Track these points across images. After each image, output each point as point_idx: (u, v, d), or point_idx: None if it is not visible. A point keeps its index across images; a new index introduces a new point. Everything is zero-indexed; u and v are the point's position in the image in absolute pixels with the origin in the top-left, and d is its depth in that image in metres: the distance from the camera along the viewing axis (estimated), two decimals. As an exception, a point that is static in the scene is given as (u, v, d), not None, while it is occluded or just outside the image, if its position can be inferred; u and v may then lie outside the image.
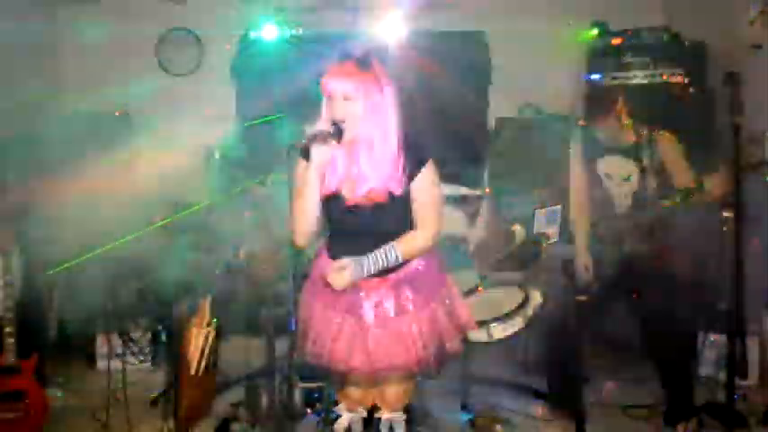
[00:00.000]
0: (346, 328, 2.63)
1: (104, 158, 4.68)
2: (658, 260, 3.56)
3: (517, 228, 3.75)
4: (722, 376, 3.63)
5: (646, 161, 3.54)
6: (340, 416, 2.90)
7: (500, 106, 5.47)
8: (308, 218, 2.59)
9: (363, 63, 2.48)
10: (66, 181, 4.57)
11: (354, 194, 2.56)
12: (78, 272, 4.37)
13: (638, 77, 4.70)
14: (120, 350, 4.29)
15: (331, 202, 2.61)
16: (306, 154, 2.59)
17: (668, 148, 3.53)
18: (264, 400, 3.70)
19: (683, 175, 3.46)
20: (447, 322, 2.70)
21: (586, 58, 5.04)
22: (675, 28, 4.89)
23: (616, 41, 4.88)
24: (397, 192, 2.53)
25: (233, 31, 5.37)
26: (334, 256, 2.65)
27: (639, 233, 3.55)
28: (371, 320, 2.62)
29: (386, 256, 2.57)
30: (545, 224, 3.64)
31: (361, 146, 2.51)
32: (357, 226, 2.62)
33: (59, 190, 4.47)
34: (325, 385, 3.60)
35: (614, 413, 3.92)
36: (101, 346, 4.52)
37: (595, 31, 5.01)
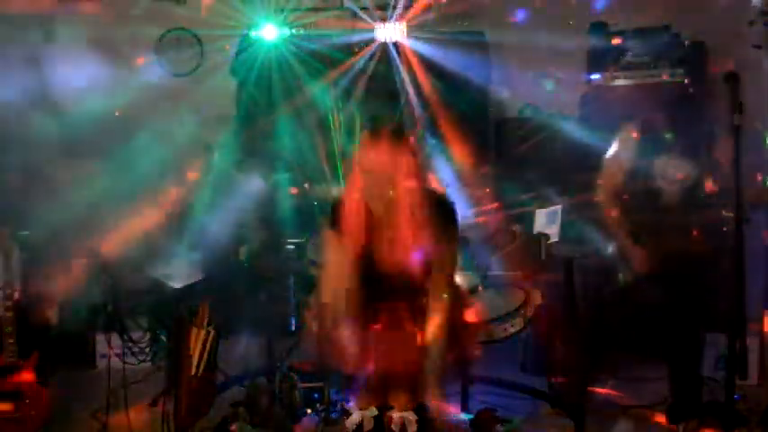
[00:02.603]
0: (368, 336, 2.72)
1: (105, 159, 4.68)
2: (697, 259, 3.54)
3: (517, 227, 3.75)
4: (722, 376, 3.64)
5: (700, 163, 3.51)
6: (350, 413, 2.94)
7: (500, 106, 5.47)
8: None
9: (398, 133, 2.54)
10: (67, 181, 4.57)
11: (389, 258, 2.64)
12: (78, 272, 4.38)
13: (639, 77, 4.69)
14: (120, 350, 4.29)
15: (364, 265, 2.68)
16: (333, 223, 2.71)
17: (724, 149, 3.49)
18: (264, 400, 3.70)
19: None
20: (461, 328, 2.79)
21: (586, 58, 5.04)
22: (675, 28, 4.89)
23: (616, 41, 4.87)
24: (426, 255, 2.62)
25: (233, 31, 5.36)
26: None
27: (684, 233, 3.52)
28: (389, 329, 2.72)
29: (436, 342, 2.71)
30: (545, 224, 3.64)
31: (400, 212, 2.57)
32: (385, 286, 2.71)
33: (60, 190, 4.48)
34: (324, 385, 3.60)
35: (614, 413, 3.92)
36: (101, 346, 4.52)
37: (595, 31, 5.00)
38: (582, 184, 4.30)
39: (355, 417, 2.93)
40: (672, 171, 3.55)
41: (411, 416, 2.89)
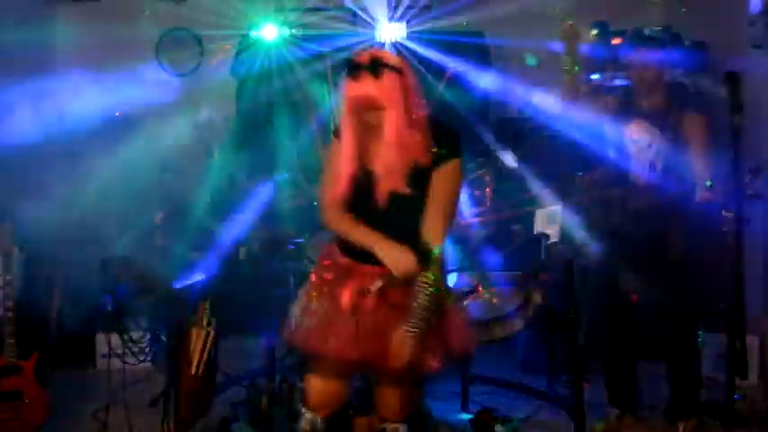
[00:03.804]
0: (327, 311, 2.60)
1: (105, 159, 4.68)
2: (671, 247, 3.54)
3: (517, 227, 3.75)
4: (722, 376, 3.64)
5: (670, 134, 3.48)
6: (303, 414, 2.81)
7: (500, 106, 5.47)
8: (338, 184, 2.57)
9: (375, 69, 2.43)
10: (67, 181, 4.57)
11: (383, 169, 2.52)
12: (78, 271, 4.38)
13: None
14: (120, 350, 4.29)
15: (359, 179, 2.57)
16: (337, 133, 2.60)
17: (695, 126, 3.47)
18: (264, 400, 3.70)
19: (700, 161, 3.39)
20: (448, 325, 2.63)
21: (586, 58, 5.03)
22: (675, 28, 4.89)
23: (616, 41, 4.87)
24: (423, 164, 2.50)
25: (233, 31, 5.37)
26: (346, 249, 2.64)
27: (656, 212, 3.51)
28: (354, 307, 2.55)
29: (425, 291, 2.51)
30: (545, 224, 3.64)
31: (398, 141, 2.48)
32: (381, 210, 2.56)
33: (60, 190, 4.48)
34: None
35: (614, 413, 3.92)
36: (101, 346, 4.52)
37: (595, 32, 5.00)
38: (582, 184, 4.32)
39: (306, 420, 2.78)
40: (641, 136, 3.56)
41: (403, 428, 2.78)
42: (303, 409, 2.80)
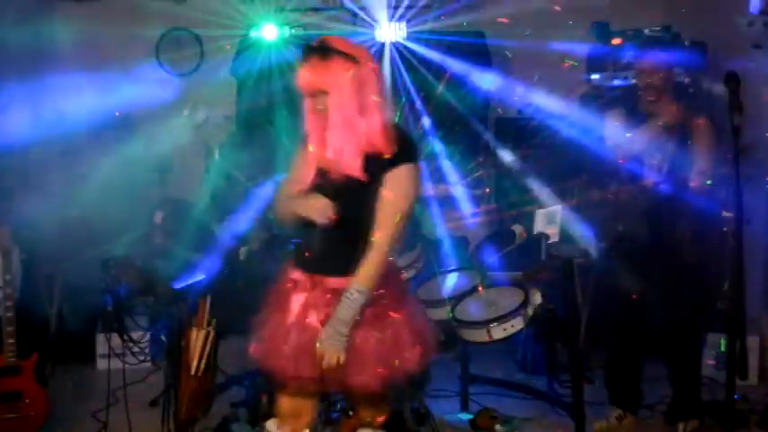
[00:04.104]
0: (294, 333, 2.50)
1: (105, 159, 4.68)
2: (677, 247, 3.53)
3: (517, 227, 3.75)
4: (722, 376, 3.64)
5: (678, 135, 3.48)
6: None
7: (500, 106, 5.47)
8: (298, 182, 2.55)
9: (322, 51, 2.39)
10: (67, 181, 4.57)
11: (331, 166, 2.46)
12: (78, 271, 4.38)
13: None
14: (120, 350, 4.29)
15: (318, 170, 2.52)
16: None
17: (702, 129, 3.47)
18: (264, 400, 3.70)
19: (706, 161, 3.39)
20: (409, 341, 2.52)
21: (586, 58, 5.04)
22: (675, 28, 4.89)
23: (616, 41, 4.87)
24: (375, 158, 2.42)
25: (233, 31, 5.37)
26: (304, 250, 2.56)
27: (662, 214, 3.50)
28: (302, 321, 2.49)
29: (350, 299, 2.41)
30: (545, 224, 3.64)
31: (343, 125, 2.42)
32: (332, 198, 2.47)
33: (60, 189, 4.48)
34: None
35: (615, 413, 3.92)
36: (101, 346, 4.52)
37: (595, 31, 5.00)
38: (581, 183, 4.32)
39: None
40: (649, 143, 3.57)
41: None
42: (270, 423, 2.76)
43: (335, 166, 2.45)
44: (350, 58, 2.38)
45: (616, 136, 3.67)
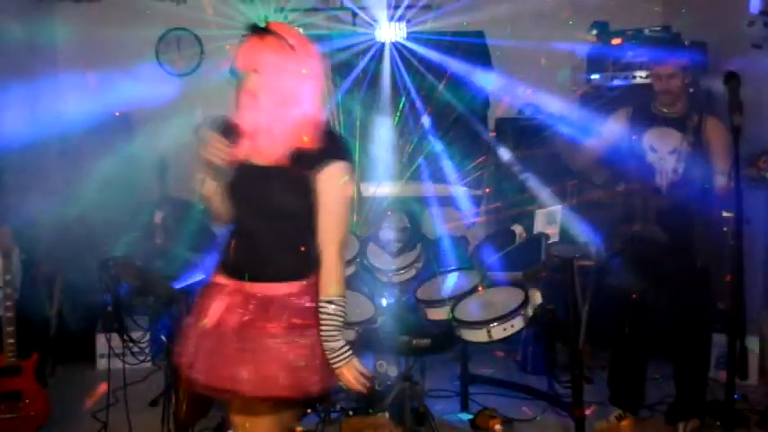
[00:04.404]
0: (210, 341, 2.35)
1: (105, 158, 4.68)
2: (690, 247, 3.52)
3: (517, 227, 3.75)
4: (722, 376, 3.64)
5: (692, 137, 3.48)
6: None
7: (500, 106, 5.47)
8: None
9: (262, 31, 2.34)
10: (67, 181, 4.57)
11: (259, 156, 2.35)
12: (78, 271, 4.38)
13: (638, 78, 4.69)
14: (120, 350, 4.28)
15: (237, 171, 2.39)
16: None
17: (715, 131, 3.46)
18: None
19: (725, 162, 3.37)
20: (320, 361, 2.37)
21: (586, 58, 5.04)
22: (675, 28, 4.89)
23: (616, 41, 4.87)
24: (301, 149, 2.31)
25: (233, 31, 5.36)
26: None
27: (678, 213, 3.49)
28: (235, 336, 2.33)
29: (329, 314, 2.32)
30: (545, 224, 3.64)
31: (271, 110, 2.33)
32: (258, 185, 2.36)
33: (60, 190, 4.48)
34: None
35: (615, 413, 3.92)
36: (101, 346, 4.52)
37: (595, 31, 5.00)
38: (581, 183, 4.31)
39: None
40: (663, 143, 3.56)
41: None
42: None
43: (259, 152, 2.36)
44: (288, 44, 2.30)
45: (618, 135, 3.66)
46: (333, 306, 2.32)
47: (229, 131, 2.38)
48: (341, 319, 2.34)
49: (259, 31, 2.33)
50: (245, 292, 2.37)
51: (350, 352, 2.34)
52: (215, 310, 2.37)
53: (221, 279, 2.43)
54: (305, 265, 2.37)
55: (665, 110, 3.58)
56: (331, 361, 2.32)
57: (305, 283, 2.37)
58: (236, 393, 2.30)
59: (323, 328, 2.32)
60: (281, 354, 2.30)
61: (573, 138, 4.21)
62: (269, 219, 2.36)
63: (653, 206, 3.54)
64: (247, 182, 2.38)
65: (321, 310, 2.32)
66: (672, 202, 3.49)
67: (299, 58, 2.31)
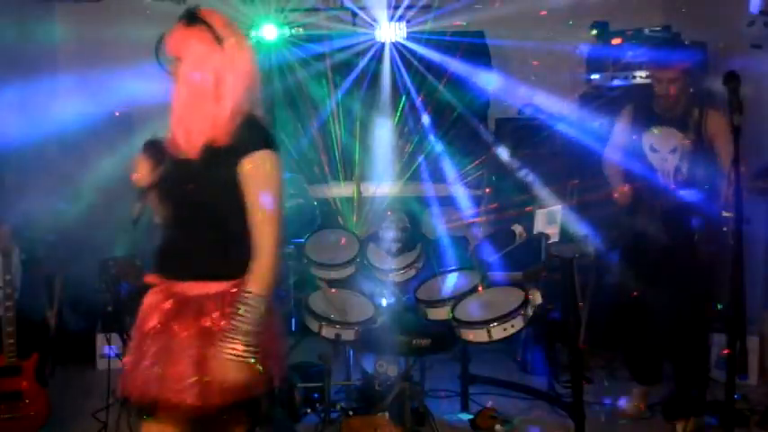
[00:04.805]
0: (147, 347, 2.24)
1: (105, 158, 4.67)
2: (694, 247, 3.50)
3: (517, 227, 3.75)
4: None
5: (693, 135, 3.47)
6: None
7: (500, 106, 5.47)
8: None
9: (190, 18, 2.30)
10: (67, 181, 4.57)
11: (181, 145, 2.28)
12: (78, 271, 4.38)
13: (638, 78, 4.69)
14: (120, 350, 4.28)
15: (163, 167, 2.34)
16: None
17: (718, 125, 3.43)
18: (264, 400, 3.70)
19: (728, 158, 3.26)
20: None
21: (586, 58, 5.04)
22: (675, 28, 4.89)
23: (616, 41, 4.87)
24: (219, 142, 2.21)
25: (232, 31, 5.36)
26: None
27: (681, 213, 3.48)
28: (153, 340, 2.24)
29: (244, 305, 2.16)
30: (545, 224, 3.64)
31: (190, 99, 2.29)
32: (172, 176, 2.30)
33: (60, 189, 4.47)
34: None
35: (614, 413, 3.92)
36: (101, 346, 4.52)
37: (595, 32, 5.00)
38: (581, 183, 4.32)
39: None
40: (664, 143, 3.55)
41: None
42: None
43: (180, 145, 2.29)
44: (215, 34, 2.26)
45: (627, 136, 3.65)
46: (253, 301, 2.16)
47: (156, 151, 2.34)
48: (254, 319, 2.16)
49: (188, 17, 2.29)
50: (172, 292, 2.27)
51: (249, 356, 2.15)
52: (152, 314, 2.27)
53: (153, 278, 2.33)
54: (235, 262, 2.23)
55: (665, 110, 3.57)
56: (223, 352, 2.14)
57: (235, 282, 2.23)
58: (161, 403, 2.17)
59: (235, 318, 2.15)
60: (186, 357, 2.17)
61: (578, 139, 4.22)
62: (192, 215, 2.27)
63: (659, 205, 3.52)
64: (169, 177, 2.32)
65: (242, 302, 2.16)
66: (679, 202, 3.48)
67: (225, 50, 2.26)
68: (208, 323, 2.20)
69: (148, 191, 2.33)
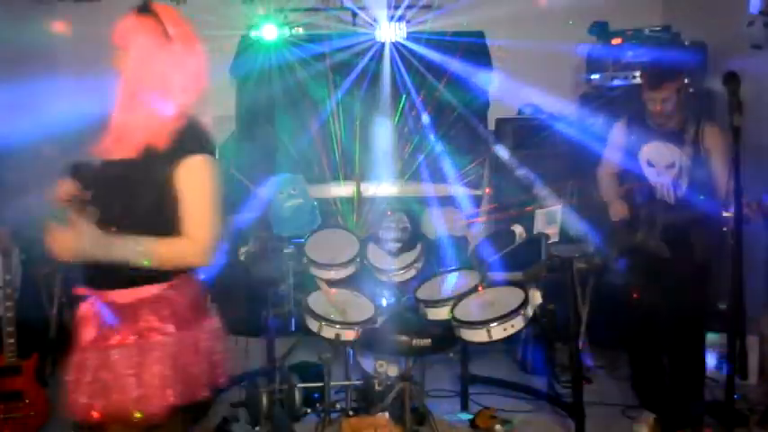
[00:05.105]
0: (74, 362, 2.17)
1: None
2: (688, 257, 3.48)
3: (517, 227, 3.75)
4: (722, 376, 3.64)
5: (691, 150, 3.44)
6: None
7: (500, 106, 5.48)
8: None
9: (142, 9, 2.20)
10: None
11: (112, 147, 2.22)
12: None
13: (638, 78, 4.69)
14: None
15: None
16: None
17: (716, 141, 3.39)
18: (264, 400, 3.70)
19: (725, 175, 3.26)
20: (198, 368, 2.20)
21: (586, 58, 5.04)
22: (675, 28, 4.90)
23: (616, 41, 4.87)
24: (157, 143, 2.14)
25: (233, 31, 5.37)
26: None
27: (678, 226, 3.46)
28: (86, 353, 2.15)
29: (133, 250, 2.09)
30: (545, 224, 3.64)
31: (127, 98, 2.22)
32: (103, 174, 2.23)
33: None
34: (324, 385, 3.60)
35: (614, 413, 3.92)
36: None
37: (595, 32, 5.00)
38: (581, 183, 4.32)
39: None
40: (660, 158, 3.54)
41: None
42: None
43: (115, 146, 2.23)
44: (165, 30, 2.18)
45: (622, 150, 3.63)
46: (138, 250, 2.09)
47: (81, 174, 2.28)
48: (123, 257, 2.09)
49: (140, 8, 2.20)
50: (105, 302, 2.18)
51: (78, 246, 2.08)
52: (82, 326, 2.20)
53: (83, 289, 2.24)
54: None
55: (660, 125, 3.52)
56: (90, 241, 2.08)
57: (166, 286, 2.18)
58: (87, 419, 2.11)
59: (115, 242, 2.09)
60: (126, 367, 2.10)
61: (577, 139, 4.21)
62: (123, 219, 2.16)
63: (659, 221, 3.51)
64: (100, 179, 2.25)
65: (131, 241, 2.10)
66: (678, 218, 3.47)
67: (174, 48, 2.20)
68: (145, 330, 2.14)
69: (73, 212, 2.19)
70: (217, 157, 2.23)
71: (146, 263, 2.10)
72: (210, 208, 2.18)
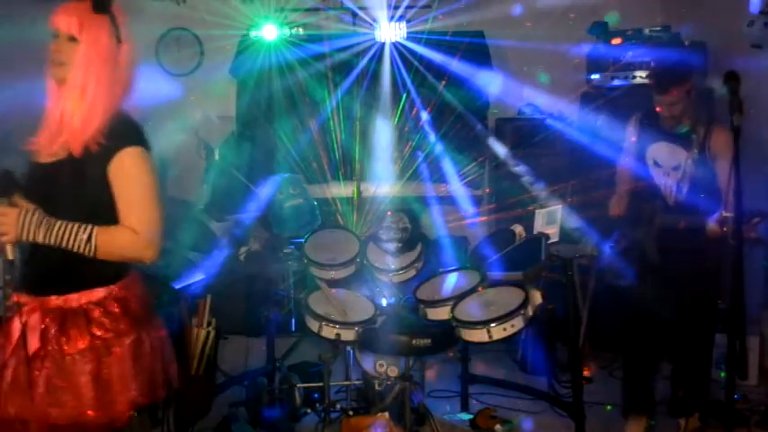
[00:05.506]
0: (11, 362, 2.10)
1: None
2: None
3: (517, 227, 3.75)
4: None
5: (697, 152, 3.42)
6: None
7: (500, 106, 5.48)
8: None
9: (100, 5, 2.18)
10: None
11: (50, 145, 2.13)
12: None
13: (638, 78, 4.69)
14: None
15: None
16: None
17: (723, 144, 3.36)
18: (264, 400, 3.70)
19: (727, 182, 3.17)
20: (155, 366, 2.19)
21: (586, 58, 5.04)
22: (675, 28, 4.89)
23: (616, 41, 4.88)
24: (92, 140, 2.07)
25: (233, 31, 5.37)
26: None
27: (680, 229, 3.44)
28: (32, 360, 2.08)
29: (75, 232, 2.04)
30: (545, 224, 3.64)
31: (73, 92, 2.11)
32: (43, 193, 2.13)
33: None
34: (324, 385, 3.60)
35: (614, 413, 3.92)
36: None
37: (595, 31, 5.00)
38: (581, 183, 4.32)
39: None
40: (666, 158, 3.53)
41: None
42: None
43: (45, 145, 2.15)
44: (117, 32, 2.20)
45: (635, 145, 3.62)
46: (88, 240, 2.05)
47: (6, 185, 2.17)
48: (65, 241, 2.04)
49: (100, 6, 2.19)
50: (48, 309, 2.11)
51: (19, 231, 2.05)
52: (15, 332, 2.12)
53: (20, 297, 2.17)
54: (108, 266, 2.12)
55: (669, 127, 3.51)
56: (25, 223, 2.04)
57: (112, 287, 2.14)
58: (39, 424, 2.06)
59: (58, 225, 2.05)
60: (83, 372, 2.06)
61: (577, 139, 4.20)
62: (63, 219, 2.08)
63: (657, 221, 3.50)
64: (32, 181, 2.18)
65: (83, 226, 2.06)
66: (674, 222, 3.46)
67: (121, 49, 2.20)
68: (99, 332, 2.09)
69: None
70: (149, 150, 2.18)
71: (89, 251, 2.06)
72: (150, 200, 2.15)
